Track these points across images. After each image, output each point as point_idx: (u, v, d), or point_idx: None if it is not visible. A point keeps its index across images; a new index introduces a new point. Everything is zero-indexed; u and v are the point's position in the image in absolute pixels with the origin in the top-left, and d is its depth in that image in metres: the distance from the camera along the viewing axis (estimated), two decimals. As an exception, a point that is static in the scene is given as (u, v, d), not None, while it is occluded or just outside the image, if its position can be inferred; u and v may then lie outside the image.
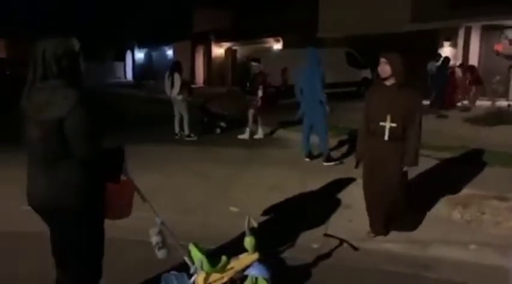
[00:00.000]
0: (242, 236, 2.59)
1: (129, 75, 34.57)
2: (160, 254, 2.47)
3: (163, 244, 2.46)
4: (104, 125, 2.20)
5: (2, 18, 34.19)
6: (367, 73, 16.16)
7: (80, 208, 2.13)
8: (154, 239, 2.46)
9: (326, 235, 3.77)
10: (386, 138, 3.52)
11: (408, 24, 14.43)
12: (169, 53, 28.26)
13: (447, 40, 15.05)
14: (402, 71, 3.55)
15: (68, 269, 2.29)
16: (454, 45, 14.98)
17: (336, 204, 4.62)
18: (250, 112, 8.85)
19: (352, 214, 4.27)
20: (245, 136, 8.77)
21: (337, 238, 3.56)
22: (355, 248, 3.47)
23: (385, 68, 3.58)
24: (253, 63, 9.24)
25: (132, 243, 3.47)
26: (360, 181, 4.00)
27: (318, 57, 6.37)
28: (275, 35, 19.42)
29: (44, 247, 2.38)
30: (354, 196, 4.54)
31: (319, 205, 4.62)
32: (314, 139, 6.70)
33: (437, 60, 13.02)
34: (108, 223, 2.37)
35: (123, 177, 2.34)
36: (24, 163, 2.21)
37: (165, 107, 8.98)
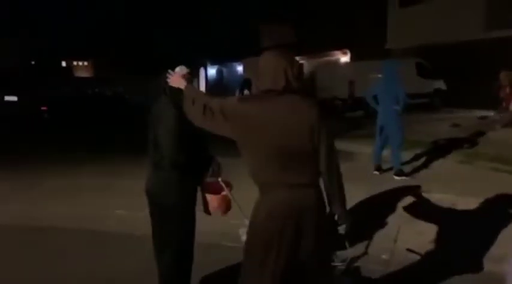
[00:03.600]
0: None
1: (203, 90, 36.23)
2: None
3: None
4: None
5: (89, 41, 37.50)
6: (440, 84, 15.58)
7: (173, 203, 2.64)
8: (244, 238, 2.76)
9: (409, 250, 3.76)
10: None
11: (481, 32, 13.76)
12: (239, 68, 29.27)
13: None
14: None
15: (162, 262, 2.69)
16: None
17: (404, 217, 4.64)
18: None
19: (422, 228, 4.28)
20: None
21: (418, 253, 3.60)
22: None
23: None
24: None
25: (220, 247, 3.77)
26: (430, 195, 4.01)
27: (395, 69, 6.44)
28: (342, 47, 19.44)
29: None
30: (423, 210, 4.54)
31: (387, 217, 4.67)
32: (385, 152, 6.71)
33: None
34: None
35: (216, 181, 2.72)
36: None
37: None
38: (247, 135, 2.00)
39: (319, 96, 19.27)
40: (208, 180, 2.75)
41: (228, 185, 2.79)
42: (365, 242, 3.94)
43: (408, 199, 5.18)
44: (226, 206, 2.77)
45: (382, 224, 4.46)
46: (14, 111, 14.06)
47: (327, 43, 19.91)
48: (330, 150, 2.04)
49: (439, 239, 3.92)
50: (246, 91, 9.07)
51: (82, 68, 51.00)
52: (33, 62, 30.56)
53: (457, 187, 5.61)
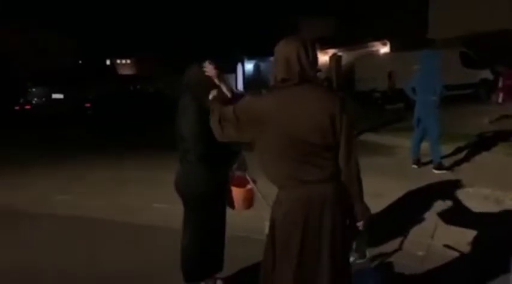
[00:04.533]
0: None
1: (240, 86, 36.55)
2: None
3: None
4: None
5: (131, 40, 38.63)
6: (486, 74, 14.81)
7: (199, 195, 2.68)
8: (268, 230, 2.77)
9: (446, 246, 3.59)
10: None
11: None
12: (276, 62, 29.16)
13: None
14: None
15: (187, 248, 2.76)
16: None
17: (444, 212, 4.45)
18: None
19: (462, 225, 4.09)
20: None
21: (457, 250, 3.45)
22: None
23: None
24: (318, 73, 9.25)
25: (246, 240, 3.74)
26: (474, 190, 3.81)
27: (435, 59, 6.20)
28: (382, 38, 18.90)
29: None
30: (464, 207, 4.34)
31: (425, 212, 4.50)
32: (424, 145, 6.47)
33: None
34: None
35: (243, 175, 2.73)
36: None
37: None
38: (260, 129, 1.88)
39: (357, 88, 18.94)
40: (235, 173, 2.76)
41: (254, 180, 2.77)
42: (400, 238, 3.81)
43: (448, 194, 4.98)
44: (250, 200, 2.76)
45: (419, 219, 4.29)
46: (60, 108, 14.75)
47: (366, 33, 19.43)
48: (350, 143, 1.92)
49: (480, 237, 3.73)
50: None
51: (125, 65, 52.80)
52: (80, 61, 31.98)
53: (503, 181, 5.32)
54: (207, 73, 2.57)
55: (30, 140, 10.94)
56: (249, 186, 2.75)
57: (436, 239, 3.80)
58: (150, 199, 5.15)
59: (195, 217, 2.74)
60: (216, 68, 2.72)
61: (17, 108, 15.13)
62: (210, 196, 2.70)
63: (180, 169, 2.77)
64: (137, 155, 8.29)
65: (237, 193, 2.72)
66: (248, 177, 2.76)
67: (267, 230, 2.74)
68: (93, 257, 3.74)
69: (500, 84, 13.06)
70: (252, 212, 2.87)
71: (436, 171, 6.09)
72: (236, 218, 3.15)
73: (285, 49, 1.98)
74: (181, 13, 37.83)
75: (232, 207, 2.77)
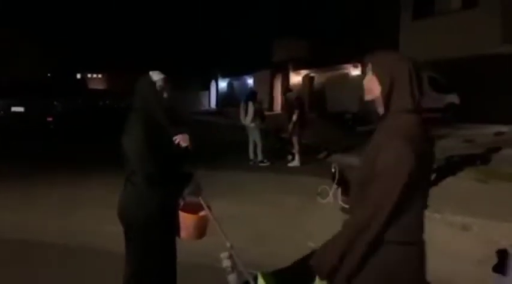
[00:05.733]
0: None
1: (213, 103, 36.38)
2: (231, 279, 2.46)
3: (233, 269, 2.45)
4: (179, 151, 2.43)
5: (103, 55, 38.06)
6: (453, 98, 15.15)
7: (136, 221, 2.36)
8: (225, 263, 2.46)
9: None
10: None
11: (500, 46, 13.33)
12: (250, 81, 29.23)
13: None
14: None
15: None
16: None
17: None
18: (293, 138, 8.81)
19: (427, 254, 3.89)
20: (295, 163, 8.73)
21: None
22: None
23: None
24: (289, 93, 9.47)
25: (201, 267, 3.47)
26: (439, 216, 3.63)
27: None
28: (353, 61, 19.17)
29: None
30: (430, 233, 4.14)
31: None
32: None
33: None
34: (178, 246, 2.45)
35: (196, 200, 2.42)
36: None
37: (244, 134, 9.22)
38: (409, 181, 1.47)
39: (329, 110, 19.04)
40: (187, 198, 2.45)
41: (209, 206, 2.47)
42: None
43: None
44: (203, 229, 2.45)
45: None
46: (20, 122, 14.04)
47: (338, 56, 19.67)
48: None
49: (444, 267, 3.54)
50: (250, 103, 8.85)
51: (96, 80, 51.79)
52: (49, 74, 31.08)
53: (470, 207, 5.22)
54: (181, 145, 2.38)
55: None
56: (202, 213, 2.45)
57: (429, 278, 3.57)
58: (103, 220, 4.75)
59: (139, 246, 2.41)
60: (166, 81, 2.45)
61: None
62: (155, 222, 2.37)
63: (122, 192, 2.44)
64: (96, 172, 7.84)
65: (187, 220, 2.39)
66: (202, 202, 2.44)
67: (224, 263, 2.45)
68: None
69: None
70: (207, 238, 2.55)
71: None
72: (190, 243, 2.81)
73: (407, 69, 1.59)
74: (158, 29, 37.61)
75: (178, 235, 2.46)
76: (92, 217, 5.05)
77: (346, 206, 1.64)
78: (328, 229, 4.42)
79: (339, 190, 2.16)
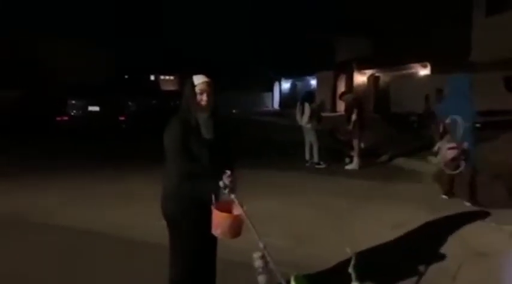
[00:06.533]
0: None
1: (276, 104, 36.66)
2: (261, 279, 2.47)
3: (264, 270, 2.46)
4: (238, 149, 2.48)
5: (175, 58, 39.99)
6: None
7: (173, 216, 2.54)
8: (257, 263, 2.49)
9: None
10: None
11: None
12: (313, 82, 29.00)
13: None
14: None
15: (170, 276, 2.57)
16: None
17: (470, 250, 4.00)
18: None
19: (491, 266, 3.64)
20: (353, 166, 8.47)
21: None
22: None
23: None
24: (347, 95, 9.28)
25: (239, 264, 3.46)
26: (506, 227, 3.39)
27: (462, 83, 5.78)
28: (422, 60, 18.27)
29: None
30: (491, 243, 3.88)
31: (448, 248, 4.06)
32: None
33: None
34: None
35: (230, 198, 2.46)
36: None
37: (302, 135, 9.18)
38: None
39: (392, 110, 18.29)
40: (222, 196, 2.52)
41: (242, 205, 2.48)
42: (415, 278, 3.41)
43: (477, 230, 4.51)
44: (237, 229, 2.48)
45: (440, 257, 3.87)
46: (96, 120, 15.18)
47: (406, 55, 18.85)
48: None
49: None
50: (306, 104, 8.82)
51: (169, 81, 54.37)
52: (126, 76, 33.45)
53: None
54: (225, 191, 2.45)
55: (59, 150, 11.21)
56: (236, 212, 2.50)
57: (459, 281, 3.38)
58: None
59: (177, 240, 2.56)
60: (209, 84, 2.54)
61: (58, 118, 15.63)
62: (191, 218, 2.49)
63: (162, 188, 2.60)
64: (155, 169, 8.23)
65: (221, 218, 2.44)
66: (235, 201, 2.47)
67: (256, 263, 2.48)
68: (87, 272, 3.62)
69: None
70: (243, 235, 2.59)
71: (467, 204, 5.58)
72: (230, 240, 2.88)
73: None
74: (225, 33, 38.68)
75: (213, 232, 2.52)
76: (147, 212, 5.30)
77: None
78: (371, 235, 4.36)
79: None
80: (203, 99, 2.51)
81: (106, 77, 19.53)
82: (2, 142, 12.11)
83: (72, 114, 15.63)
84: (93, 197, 6.21)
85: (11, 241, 4.44)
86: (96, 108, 15.56)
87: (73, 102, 15.75)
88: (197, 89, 2.51)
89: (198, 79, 2.55)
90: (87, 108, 15.60)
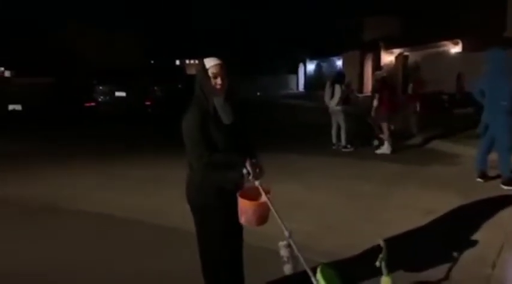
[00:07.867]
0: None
1: (301, 86, 36.18)
2: (286, 268, 2.41)
3: (289, 259, 2.39)
4: (261, 133, 2.37)
5: (200, 42, 40.22)
6: None
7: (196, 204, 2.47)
8: (282, 252, 2.42)
9: None
10: None
11: None
12: (339, 63, 28.37)
13: None
14: None
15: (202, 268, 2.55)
16: None
17: (509, 237, 3.81)
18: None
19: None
20: (384, 150, 8.13)
21: None
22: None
23: None
24: (377, 72, 8.90)
25: (268, 250, 3.37)
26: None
27: (502, 59, 5.47)
28: (453, 37, 17.49)
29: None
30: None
31: (486, 235, 3.89)
32: (493, 156, 5.73)
33: None
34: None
35: (256, 185, 2.37)
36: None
37: (329, 117, 8.94)
38: None
39: (422, 90, 17.64)
40: (246, 183, 2.43)
41: (268, 191, 2.41)
42: (447, 265, 3.27)
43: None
44: (264, 217, 2.40)
45: (475, 244, 3.71)
46: (122, 106, 15.37)
47: (436, 32, 18.10)
48: None
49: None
50: (337, 86, 8.53)
51: (193, 66, 54.64)
52: (152, 61, 33.79)
53: None
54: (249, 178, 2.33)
55: (87, 135, 11.43)
56: (262, 199, 2.41)
57: (499, 269, 3.22)
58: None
59: (202, 227, 2.50)
60: (221, 66, 2.42)
61: (87, 104, 15.88)
62: (213, 205, 2.41)
63: (186, 177, 2.53)
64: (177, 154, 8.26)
65: (246, 206, 2.35)
66: (260, 188, 2.37)
67: (282, 251, 2.41)
68: (116, 257, 3.66)
69: None
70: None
71: (504, 187, 5.35)
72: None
73: None
74: (245, 15, 38.31)
75: (239, 220, 2.45)
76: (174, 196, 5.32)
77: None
78: (403, 223, 4.21)
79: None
80: (217, 82, 2.38)
81: (133, 63, 19.71)
82: (33, 127, 12.43)
83: (100, 99, 15.85)
84: (125, 182, 6.26)
85: (49, 226, 4.52)
86: (122, 94, 15.73)
87: (100, 87, 15.97)
88: (210, 73, 2.39)
89: (210, 62, 2.41)
90: (114, 93, 15.79)
